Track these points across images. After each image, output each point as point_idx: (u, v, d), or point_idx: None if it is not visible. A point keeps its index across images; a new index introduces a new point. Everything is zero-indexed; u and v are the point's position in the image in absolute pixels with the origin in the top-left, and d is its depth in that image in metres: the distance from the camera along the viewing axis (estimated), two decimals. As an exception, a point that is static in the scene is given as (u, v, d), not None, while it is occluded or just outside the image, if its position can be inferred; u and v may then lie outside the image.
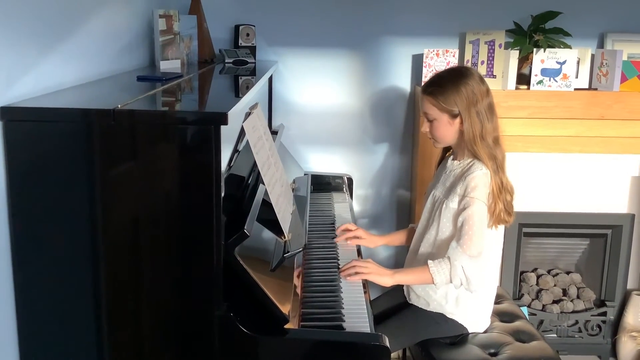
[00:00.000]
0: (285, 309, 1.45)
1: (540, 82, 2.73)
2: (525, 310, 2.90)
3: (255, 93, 1.99)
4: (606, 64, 2.76)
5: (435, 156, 2.19)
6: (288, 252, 1.65)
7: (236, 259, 1.39)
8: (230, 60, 2.67)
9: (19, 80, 1.39)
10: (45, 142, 1.32)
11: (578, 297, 3.04)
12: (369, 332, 1.58)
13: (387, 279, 1.87)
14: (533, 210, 2.89)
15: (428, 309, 1.97)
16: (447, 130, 1.91)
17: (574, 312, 3.01)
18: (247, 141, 1.52)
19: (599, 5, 2.90)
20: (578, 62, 2.80)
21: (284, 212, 1.71)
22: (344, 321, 1.61)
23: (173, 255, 1.37)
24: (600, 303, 3.04)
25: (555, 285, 3.05)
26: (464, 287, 1.84)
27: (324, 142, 3.02)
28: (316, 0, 2.89)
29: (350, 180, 2.88)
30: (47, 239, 1.36)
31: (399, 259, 3.07)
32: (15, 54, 1.37)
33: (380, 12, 2.90)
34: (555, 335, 3.01)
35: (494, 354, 1.91)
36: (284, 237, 1.67)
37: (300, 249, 1.74)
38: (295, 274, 1.73)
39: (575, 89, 2.75)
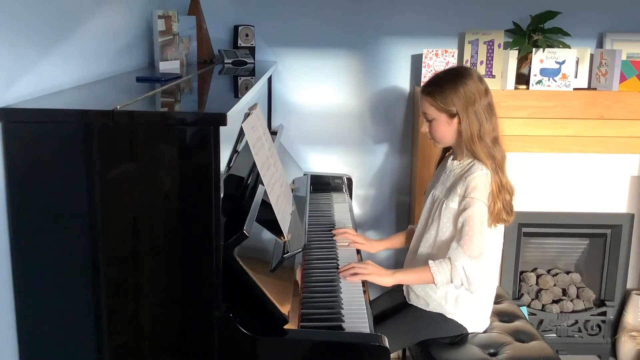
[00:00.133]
0: (284, 309, 1.45)
1: (539, 82, 2.72)
2: (525, 310, 2.90)
3: (255, 93, 1.99)
4: (605, 63, 2.76)
5: (435, 156, 2.19)
6: (287, 252, 1.65)
7: (235, 260, 1.39)
8: (230, 61, 2.67)
9: (18, 81, 1.39)
10: (44, 143, 1.32)
11: (578, 297, 3.05)
12: (369, 332, 1.58)
13: (387, 278, 1.88)
14: (533, 210, 2.89)
15: (428, 309, 1.97)
16: (445, 130, 1.92)
17: (573, 312, 3.01)
18: (247, 142, 1.52)
19: (598, 5, 2.90)
20: (577, 62, 2.80)
21: (284, 212, 1.71)
22: (344, 321, 1.61)
23: (172, 256, 1.37)
24: (600, 303, 3.05)
25: (554, 285, 3.05)
26: (464, 288, 1.85)
27: (323, 142, 3.02)
28: (316, 1, 2.89)
29: (349, 180, 2.88)
30: (46, 240, 1.36)
31: (399, 259, 3.07)
32: (14, 54, 1.37)
33: (379, 12, 2.90)
34: (555, 335, 3.01)
35: (494, 354, 1.91)
36: (284, 238, 1.67)
37: (300, 250, 1.74)
38: (295, 274, 1.73)
39: (575, 89, 2.75)
